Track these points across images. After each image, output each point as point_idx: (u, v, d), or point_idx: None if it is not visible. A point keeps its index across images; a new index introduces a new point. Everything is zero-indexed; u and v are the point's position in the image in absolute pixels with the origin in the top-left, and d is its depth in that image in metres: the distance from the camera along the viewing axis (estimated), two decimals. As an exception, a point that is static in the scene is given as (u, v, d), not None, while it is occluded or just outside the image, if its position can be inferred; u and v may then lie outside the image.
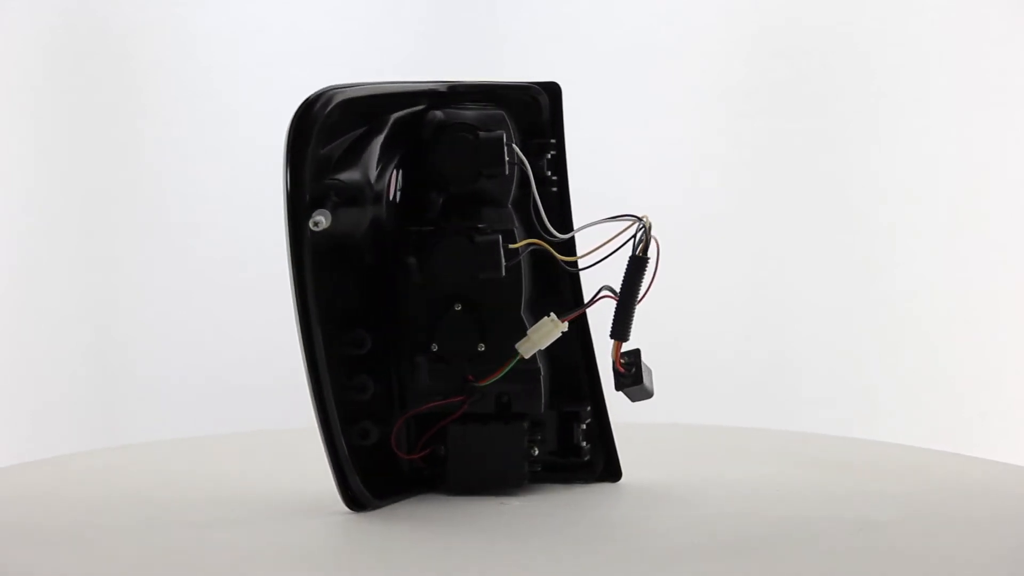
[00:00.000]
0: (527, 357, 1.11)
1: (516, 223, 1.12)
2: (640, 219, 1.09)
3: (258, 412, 2.10)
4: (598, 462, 1.17)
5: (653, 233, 1.09)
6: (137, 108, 2.15)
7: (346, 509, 1.10)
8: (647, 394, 1.12)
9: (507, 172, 1.10)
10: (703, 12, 2.18)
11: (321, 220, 1.05)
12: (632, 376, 1.10)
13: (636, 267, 1.09)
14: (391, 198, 1.11)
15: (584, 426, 1.16)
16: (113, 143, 2.16)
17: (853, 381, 2.17)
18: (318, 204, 1.06)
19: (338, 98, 1.08)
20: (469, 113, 1.13)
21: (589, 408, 1.17)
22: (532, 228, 1.12)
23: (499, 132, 1.10)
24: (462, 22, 2.21)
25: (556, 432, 1.16)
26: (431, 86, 1.14)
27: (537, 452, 1.14)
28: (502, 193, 1.12)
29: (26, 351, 2.15)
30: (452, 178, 1.12)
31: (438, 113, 1.13)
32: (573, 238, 1.13)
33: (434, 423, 1.14)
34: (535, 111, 1.14)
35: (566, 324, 1.10)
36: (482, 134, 1.10)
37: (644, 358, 1.12)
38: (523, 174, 1.12)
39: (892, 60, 2.16)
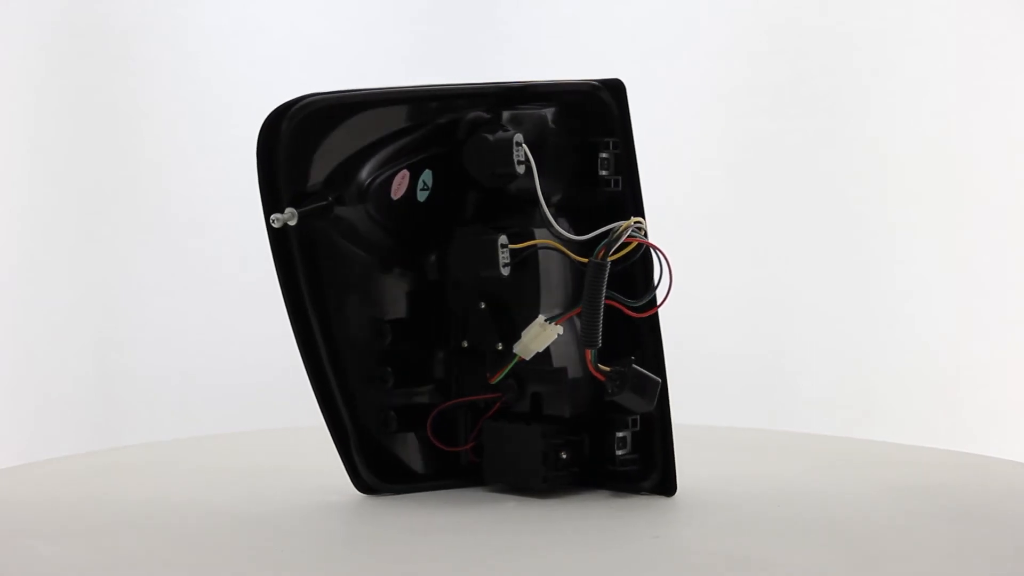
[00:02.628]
0: (527, 359, 1.11)
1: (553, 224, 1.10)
2: (629, 223, 1.07)
3: (259, 412, 2.10)
4: (652, 474, 1.13)
5: (658, 243, 1.08)
6: (137, 107, 2.15)
7: (357, 493, 1.14)
8: (639, 404, 1.09)
9: (519, 172, 1.10)
10: (703, 12, 2.18)
11: (279, 216, 1.08)
12: (616, 384, 1.08)
13: (595, 272, 1.07)
14: (398, 197, 1.11)
15: (621, 434, 1.13)
16: (113, 142, 2.16)
17: (853, 381, 2.17)
18: (296, 202, 1.08)
19: (312, 105, 1.09)
20: (512, 113, 1.12)
21: (634, 417, 1.13)
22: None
23: (510, 132, 1.10)
24: (462, 22, 2.21)
25: (600, 439, 1.14)
26: (481, 87, 1.14)
27: (565, 456, 1.13)
28: (547, 192, 1.10)
29: (27, 351, 2.14)
30: (475, 177, 1.12)
31: (480, 113, 1.13)
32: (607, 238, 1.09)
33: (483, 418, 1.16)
34: (598, 109, 1.11)
35: (560, 327, 1.10)
36: (500, 134, 1.10)
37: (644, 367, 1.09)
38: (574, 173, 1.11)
39: (892, 60, 2.16)
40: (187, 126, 2.15)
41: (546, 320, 1.09)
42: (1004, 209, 2.15)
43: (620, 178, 1.11)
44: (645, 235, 1.08)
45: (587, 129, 1.12)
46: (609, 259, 1.07)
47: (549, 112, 1.12)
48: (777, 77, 2.16)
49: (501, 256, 1.11)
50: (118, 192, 2.15)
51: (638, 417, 1.13)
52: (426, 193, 1.13)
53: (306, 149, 1.09)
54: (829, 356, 2.16)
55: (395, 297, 1.15)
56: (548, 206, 1.10)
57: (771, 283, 2.17)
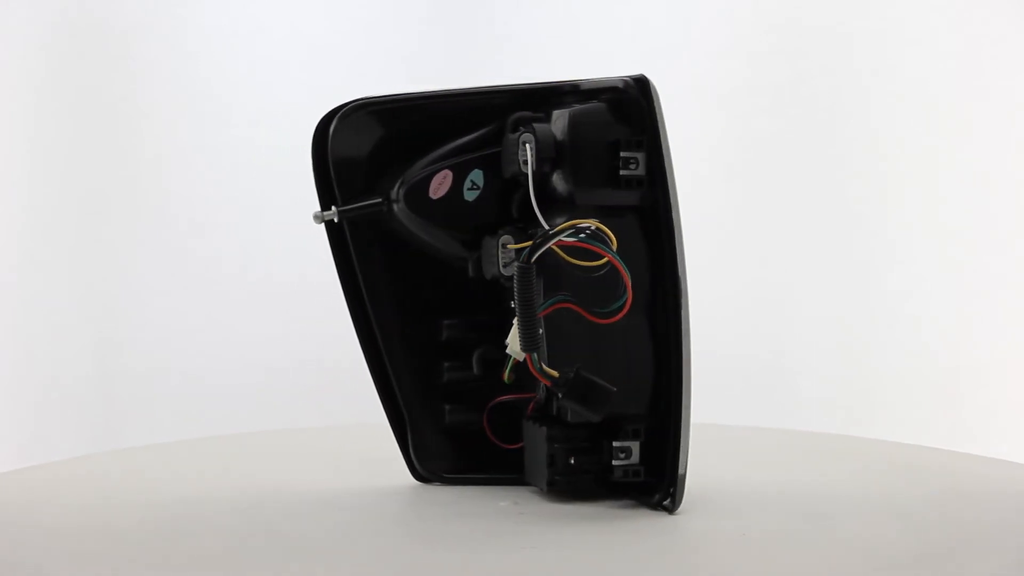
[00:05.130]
0: (521, 360, 1.11)
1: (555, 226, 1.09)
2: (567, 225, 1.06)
3: (259, 412, 2.10)
4: (657, 489, 1.10)
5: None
6: (137, 107, 2.15)
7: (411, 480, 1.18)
8: (582, 412, 1.07)
9: (524, 172, 1.10)
10: (703, 12, 2.18)
11: (319, 214, 1.13)
12: (560, 390, 1.07)
13: (522, 276, 1.05)
14: (439, 197, 1.12)
15: (619, 444, 1.10)
16: (113, 143, 2.16)
17: (853, 381, 2.17)
18: (348, 201, 1.13)
19: (362, 108, 1.13)
20: (552, 112, 1.12)
21: (636, 427, 1.11)
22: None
23: (517, 133, 1.11)
24: (462, 22, 2.21)
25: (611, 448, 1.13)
26: (507, 88, 1.15)
27: (574, 461, 1.11)
28: (577, 192, 1.10)
29: (27, 351, 2.15)
30: (506, 177, 1.13)
31: (524, 113, 1.13)
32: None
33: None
34: (626, 108, 1.10)
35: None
36: (515, 134, 1.11)
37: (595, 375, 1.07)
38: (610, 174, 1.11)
39: (892, 60, 2.16)
40: (187, 126, 2.16)
41: None
42: (1004, 209, 2.16)
43: (645, 177, 1.10)
44: (603, 239, 1.06)
45: (617, 128, 1.10)
46: (533, 262, 1.05)
47: (579, 111, 1.11)
48: (777, 77, 2.16)
49: (501, 256, 1.11)
50: (118, 192, 2.15)
51: (641, 428, 1.11)
52: (475, 193, 1.14)
53: (356, 151, 1.13)
54: (829, 356, 2.17)
55: (453, 292, 1.17)
56: (578, 206, 1.09)
57: (771, 283, 2.17)
